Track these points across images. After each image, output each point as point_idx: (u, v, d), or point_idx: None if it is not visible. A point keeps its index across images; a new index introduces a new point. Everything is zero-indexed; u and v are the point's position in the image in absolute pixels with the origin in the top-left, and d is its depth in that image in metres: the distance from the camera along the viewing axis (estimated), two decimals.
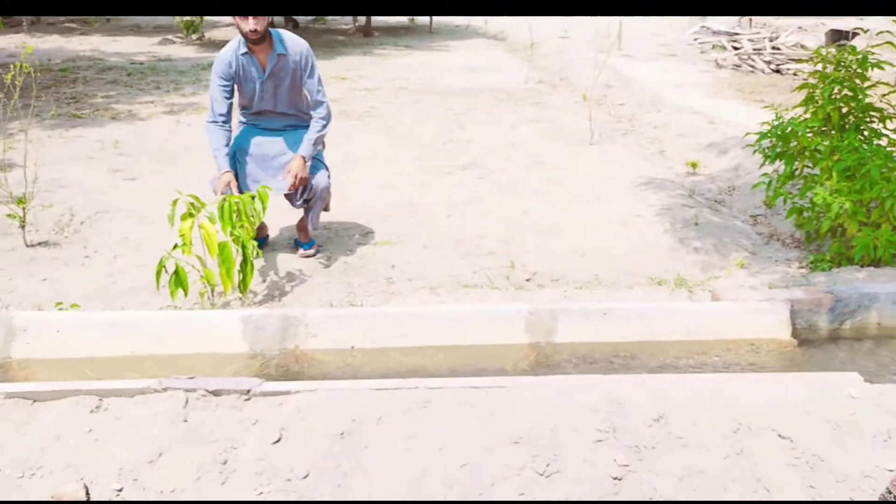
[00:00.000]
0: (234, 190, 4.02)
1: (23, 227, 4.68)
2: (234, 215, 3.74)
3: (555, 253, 4.49)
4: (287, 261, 4.39)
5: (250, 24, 3.99)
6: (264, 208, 3.90)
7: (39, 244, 4.74)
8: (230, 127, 4.26)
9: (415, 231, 4.86)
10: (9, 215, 4.65)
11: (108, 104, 8.62)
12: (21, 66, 4.54)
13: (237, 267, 3.73)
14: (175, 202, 3.79)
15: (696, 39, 13.73)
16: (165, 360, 3.14)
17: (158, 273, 3.65)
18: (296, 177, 4.09)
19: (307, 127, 4.29)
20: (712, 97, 8.80)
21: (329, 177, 4.35)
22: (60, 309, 3.69)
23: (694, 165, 6.26)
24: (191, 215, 3.79)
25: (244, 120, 4.46)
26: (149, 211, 5.18)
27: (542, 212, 5.19)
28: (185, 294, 3.67)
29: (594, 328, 3.18)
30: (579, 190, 5.69)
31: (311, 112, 4.29)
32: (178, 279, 3.63)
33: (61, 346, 3.11)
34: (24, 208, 4.64)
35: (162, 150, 6.79)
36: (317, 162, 4.34)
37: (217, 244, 3.73)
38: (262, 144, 4.31)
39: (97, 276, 4.23)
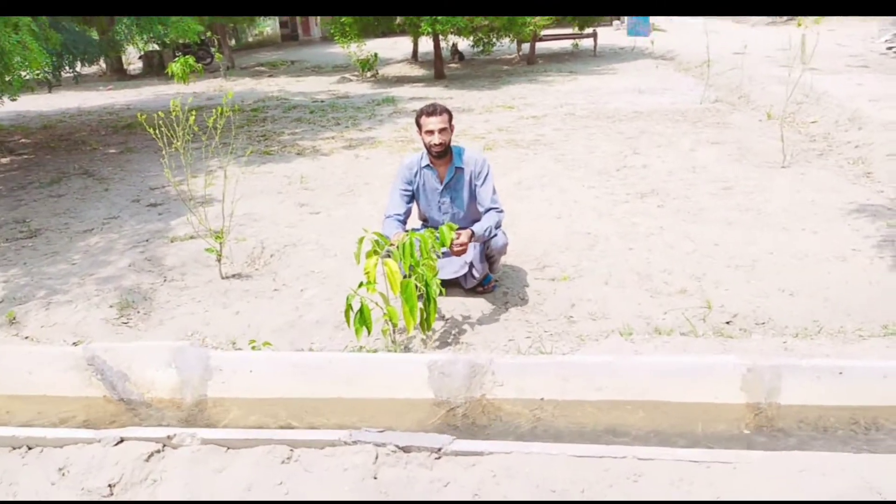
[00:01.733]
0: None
1: (219, 260, 4.84)
2: (417, 253, 3.58)
3: (757, 291, 3.95)
4: (463, 295, 4.19)
5: (435, 138, 3.94)
6: (445, 244, 3.72)
7: (233, 276, 4.88)
8: (405, 227, 4.19)
9: (594, 265, 4.50)
10: (207, 249, 4.82)
11: (294, 141, 9.00)
12: (221, 111, 4.71)
13: (420, 305, 3.57)
14: (361, 240, 3.70)
15: (890, 48, 12.26)
16: (352, 404, 3.01)
17: (347, 312, 3.55)
18: (460, 242, 3.81)
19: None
20: None
21: (506, 238, 4.12)
22: (253, 347, 3.69)
23: None
24: (375, 252, 3.68)
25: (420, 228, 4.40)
26: (332, 244, 5.21)
27: (736, 243, 4.64)
28: (369, 332, 3.55)
29: (826, 389, 2.66)
30: (777, 218, 5.05)
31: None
32: (363, 318, 3.52)
33: (254, 386, 3.07)
34: (220, 243, 4.80)
35: (342, 183, 6.90)
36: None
37: (400, 282, 3.58)
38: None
39: (285, 308, 4.24)
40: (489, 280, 4.26)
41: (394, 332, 3.69)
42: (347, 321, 3.56)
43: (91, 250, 5.40)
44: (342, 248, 5.08)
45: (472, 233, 3.86)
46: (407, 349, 3.59)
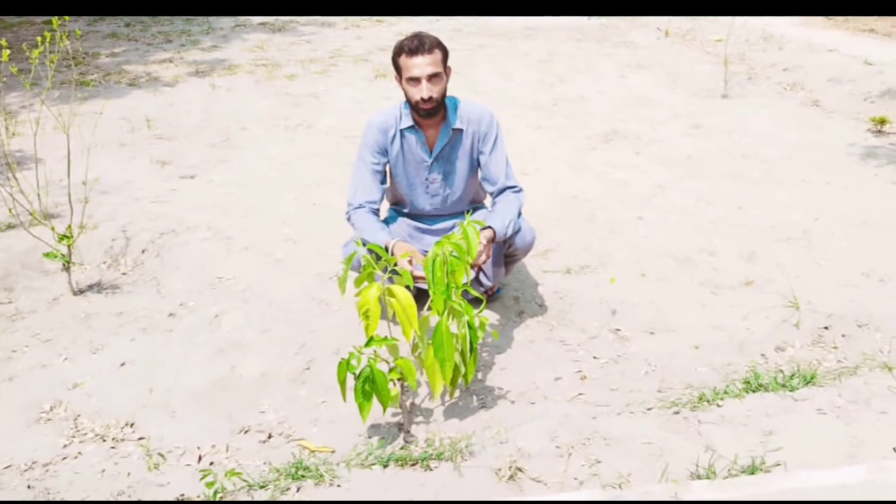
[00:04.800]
0: (419, 266, 2.51)
1: (67, 268, 3.12)
2: (449, 269, 2.24)
3: (835, 277, 3.09)
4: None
5: (423, 90, 2.53)
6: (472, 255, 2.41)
7: (91, 288, 3.21)
8: (379, 216, 2.77)
9: (610, 246, 3.41)
10: (47, 255, 3.07)
11: (118, 65, 6.80)
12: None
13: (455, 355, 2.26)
14: (349, 259, 2.27)
15: None
16: None
17: (342, 379, 2.16)
18: (483, 259, 2.51)
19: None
20: (809, 27, 7.28)
21: (533, 229, 2.83)
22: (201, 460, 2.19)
23: (882, 122, 4.82)
24: (370, 276, 2.28)
25: (395, 214, 2.97)
26: (232, 228, 3.63)
27: (764, 205, 3.76)
28: (384, 409, 2.20)
29: None
30: (787, 168, 4.24)
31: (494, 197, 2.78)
32: (375, 388, 2.15)
33: None
34: (69, 246, 3.07)
35: (208, 127, 5.13)
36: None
37: (417, 319, 2.25)
38: (423, 239, 2.83)
39: (201, 352, 2.73)
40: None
41: (404, 394, 2.36)
42: (343, 392, 2.18)
43: None
44: (252, 237, 3.53)
45: (494, 233, 2.56)
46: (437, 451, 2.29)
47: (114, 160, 4.52)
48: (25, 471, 2.17)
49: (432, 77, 2.53)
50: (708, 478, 1.85)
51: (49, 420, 2.42)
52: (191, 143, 4.84)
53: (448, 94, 2.68)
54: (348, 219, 2.76)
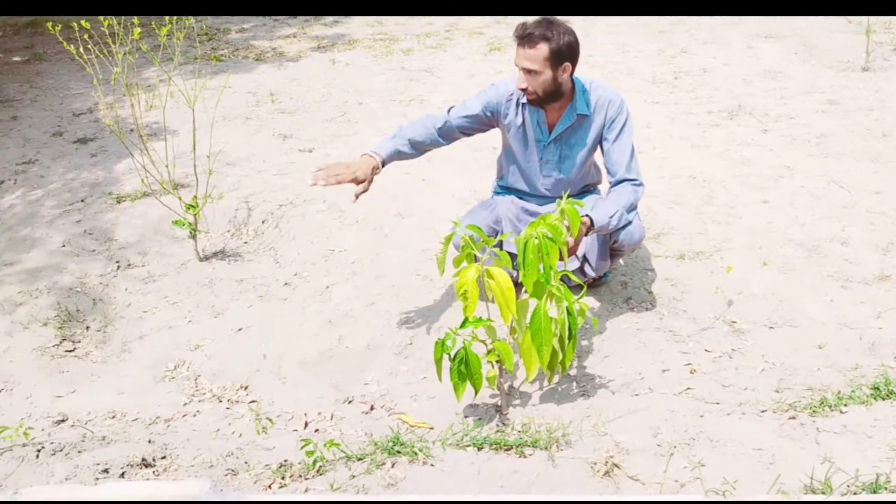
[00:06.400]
0: (359, 187, 2.58)
1: (194, 236, 3.29)
2: (543, 252, 2.16)
3: None
4: None
5: (520, 80, 2.47)
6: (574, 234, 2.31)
7: (216, 255, 3.36)
8: (440, 141, 2.71)
9: (729, 230, 3.18)
10: (175, 222, 3.25)
11: (246, 40, 7.07)
12: None
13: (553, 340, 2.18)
14: (448, 239, 2.24)
15: None
16: None
17: (438, 358, 2.14)
18: (574, 246, 2.39)
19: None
20: None
21: (643, 226, 2.68)
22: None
23: None
24: (469, 256, 2.24)
25: (500, 192, 2.90)
26: (346, 202, 3.68)
27: None
28: (476, 391, 2.17)
29: None
30: None
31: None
32: (469, 370, 2.12)
33: None
34: (195, 215, 3.23)
35: (327, 102, 5.22)
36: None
37: (515, 303, 2.19)
38: (529, 222, 2.73)
39: (311, 322, 2.81)
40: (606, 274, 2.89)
41: (501, 376, 2.31)
42: (438, 372, 2.17)
43: (5, 219, 3.72)
44: (363, 211, 3.58)
45: (591, 223, 2.43)
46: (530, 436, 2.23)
47: (239, 133, 4.70)
48: (150, 424, 2.32)
49: (529, 71, 2.43)
50: (823, 492, 1.68)
51: (173, 378, 2.57)
52: (310, 117, 4.95)
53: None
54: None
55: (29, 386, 2.59)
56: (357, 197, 2.61)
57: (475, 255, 2.22)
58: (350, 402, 2.42)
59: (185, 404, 2.42)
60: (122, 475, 1.89)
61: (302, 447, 1.94)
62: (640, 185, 2.57)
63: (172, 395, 2.48)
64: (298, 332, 2.76)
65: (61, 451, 2.14)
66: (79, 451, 2.06)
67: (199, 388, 2.51)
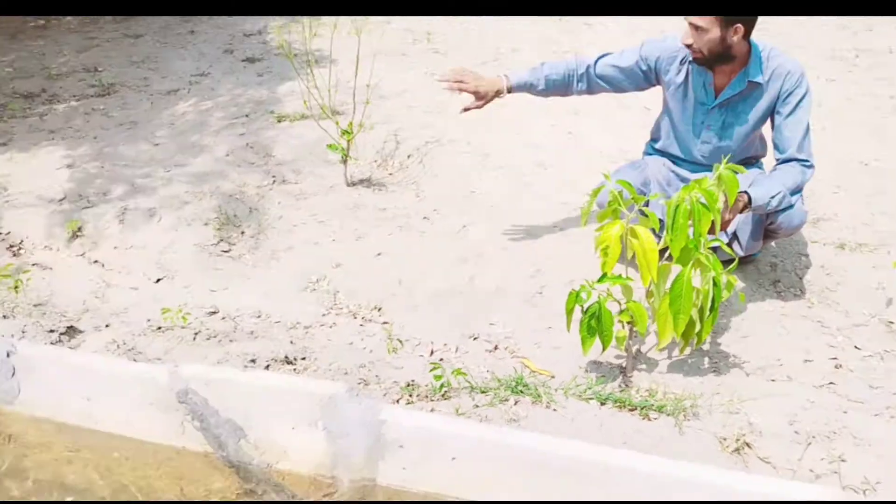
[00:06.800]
0: (474, 102, 2.64)
1: (345, 161, 3.41)
2: (694, 218, 2.07)
3: None
4: None
5: (686, 35, 2.33)
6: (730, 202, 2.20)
7: (362, 182, 3.48)
8: (579, 87, 2.62)
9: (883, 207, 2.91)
10: (330, 146, 3.38)
11: None
12: None
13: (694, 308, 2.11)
14: (596, 192, 2.20)
15: None
16: None
17: (570, 309, 2.14)
18: (728, 218, 2.27)
19: None
20: None
21: (806, 210, 2.50)
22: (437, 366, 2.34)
23: None
24: (615, 212, 2.19)
25: (652, 153, 2.76)
26: (489, 146, 3.70)
27: None
28: (604, 348, 2.15)
29: None
30: None
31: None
32: (600, 326, 2.10)
33: (457, 480, 1.71)
34: (348, 141, 3.35)
35: (482, 45, 5.20)
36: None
37: (658, 267, 2.13)
38: (679, 187, 2.57)
39: (445, 257, 2.87)
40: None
41: (631, 338, 2.26)
42: (568, 322, 2.16)
43: (178, 124, 4.02)
44: (506, 157, 3.57)
45: (748, 199, 2.29)
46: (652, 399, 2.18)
47: (395, 68, 4.78)
48: (290, 329, 2.48)
49: (696, 27, 2.29)
50: None
51: (314, 290, 2.72)
52: (463, 58, 4.94)
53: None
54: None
55: (187, 277, 2.83)
56: (466, 109, 2.64)
57: (621, 213, 2.17)
58: (475, 338, 2.47)
59: (324, 315, 2.56)
60: (267, 367, 2.05)
61: (430, 370, 2.01)
62: (811, 166, 2.40)
63: (312, 306, 2.63)
64: (432, 265, 2.83)
65: (214, 337, 2.34)
66: (230, 340, 2.24)
67: (337, 302, 2.65)
